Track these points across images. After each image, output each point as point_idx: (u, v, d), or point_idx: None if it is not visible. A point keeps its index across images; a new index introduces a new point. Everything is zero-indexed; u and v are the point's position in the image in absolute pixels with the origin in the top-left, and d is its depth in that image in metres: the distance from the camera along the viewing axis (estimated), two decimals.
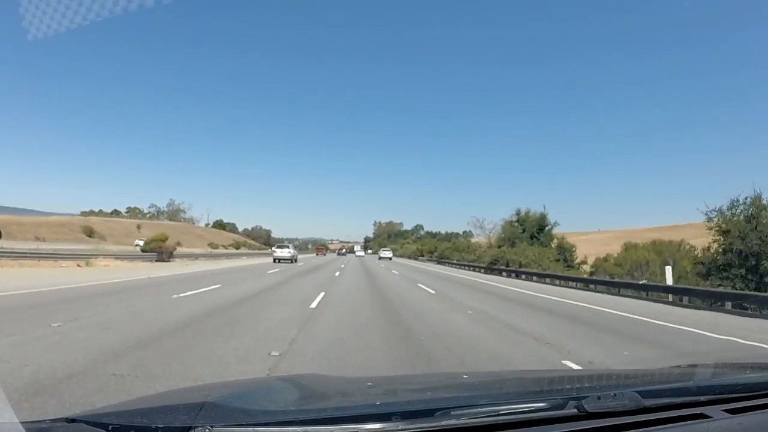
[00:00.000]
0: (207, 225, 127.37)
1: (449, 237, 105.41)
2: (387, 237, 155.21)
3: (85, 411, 1.40)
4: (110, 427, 1.21)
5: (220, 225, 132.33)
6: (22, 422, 1.29)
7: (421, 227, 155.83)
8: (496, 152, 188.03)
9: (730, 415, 1.49)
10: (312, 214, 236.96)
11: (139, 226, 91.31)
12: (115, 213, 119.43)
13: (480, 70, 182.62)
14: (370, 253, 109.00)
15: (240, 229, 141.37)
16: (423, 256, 71.82)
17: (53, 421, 1.31)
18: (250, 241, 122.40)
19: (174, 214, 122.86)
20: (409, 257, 79.38)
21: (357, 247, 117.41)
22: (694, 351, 7.23)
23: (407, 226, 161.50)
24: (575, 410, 1.39)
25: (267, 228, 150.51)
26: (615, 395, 1.45)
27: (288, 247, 41.46)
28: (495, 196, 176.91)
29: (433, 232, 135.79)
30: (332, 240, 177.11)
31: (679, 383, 1.95)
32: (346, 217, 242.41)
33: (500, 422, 1.32)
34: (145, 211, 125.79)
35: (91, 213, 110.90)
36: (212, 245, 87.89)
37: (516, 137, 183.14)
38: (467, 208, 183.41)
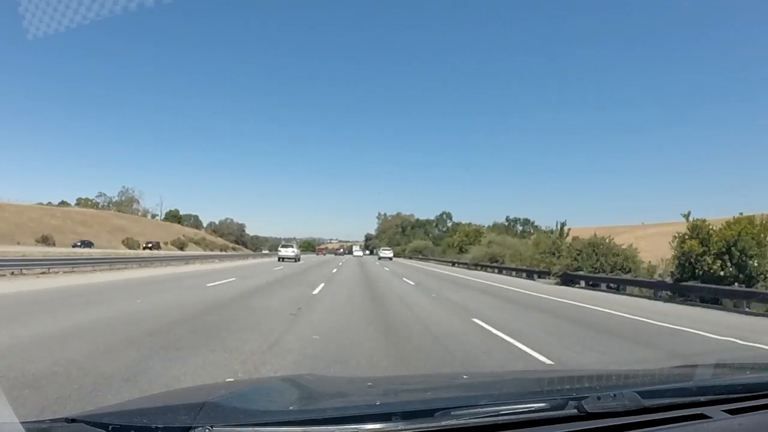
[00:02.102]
0: (154, 216, 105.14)
1: (511, 225, 69.50)
2: (401, 231, 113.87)
3: (85, 411, 1.40)
4: (110, 427, 1.21)
5: (174, 216, 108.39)
6: (22, 422, 1.28)
7: (449, 216, 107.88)
8: (501, 147, 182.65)
9: (730, 415, 1.49)
10: (309, 212, 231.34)
11: None
12: (63, 204, 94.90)
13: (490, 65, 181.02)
14: (368, 254, 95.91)
15: (206, 223, 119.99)
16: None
17: (53, 421, 1.31)
18: (212, 237, 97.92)
19: (125, 204, 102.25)
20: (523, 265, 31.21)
21: (355, 247, 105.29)
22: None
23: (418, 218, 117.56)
24: (575, 410, 1.39)
25: (240, 222, 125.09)
26: (615, 395, 1.45)
27: (292, 246, 45.58)
28: (508, 192, 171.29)
29: (461, 222, 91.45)
30: (331, 239, 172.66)
31: (679, 383, 1.95)
32: (345, 216, 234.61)
33: (500, 422, 1.32)
34: (95, 200, 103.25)
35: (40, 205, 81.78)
36: (128, 242, 65.22)
37: (524, 133, 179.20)
38: (486, 201, 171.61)
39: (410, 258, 73.65)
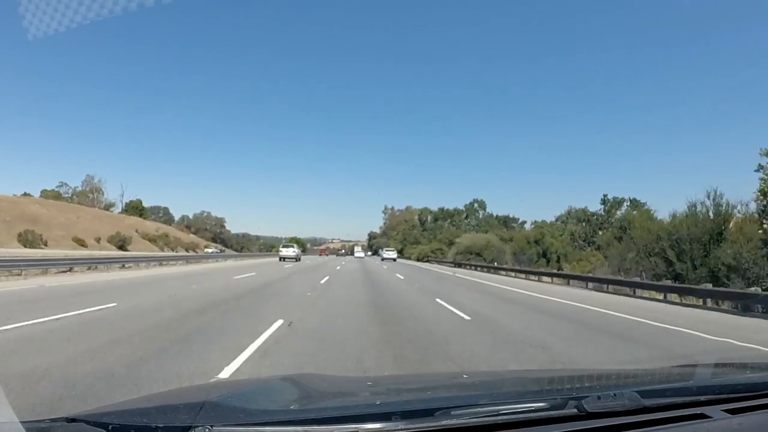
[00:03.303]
0: (109, 208, 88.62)
1: (610, 208, 43.08)
2: (419, 225, 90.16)
3: (85, 410, 1.40)
4: (110, 426, 1.21)
5: (135, 207, 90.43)
6: (22, 422, 1.28)
7: (481, 205, 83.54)
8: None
9: (730, 415, 1.49)
10: (310, 211, 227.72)
11: None
12: (25, 196, 76.08)
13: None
14: (370, 255, 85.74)
15: (178, 216, 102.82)
16: None
17: (53, 420, 1.31)
18: (181, 234, 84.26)
19: (87, 194, 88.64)
20: None
21: (357, 248, 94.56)
22: None
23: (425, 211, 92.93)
24: (575, 410, 1.39)
25: (219, 216, 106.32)
26: (615, 395, 1.46)
27: (293, 246, 47.58)
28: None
29: (495, 214, 78.43)
30: (333, 239, 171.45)
31: (679, 383, 1.95)
32: (348, 214, 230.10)
33: (500, 422, 1.32)
34: (58, 190, 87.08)
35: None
36: (27, 238, 47.72)
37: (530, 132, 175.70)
38: (492, 198, 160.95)
39: (458, 265, 41.90)
